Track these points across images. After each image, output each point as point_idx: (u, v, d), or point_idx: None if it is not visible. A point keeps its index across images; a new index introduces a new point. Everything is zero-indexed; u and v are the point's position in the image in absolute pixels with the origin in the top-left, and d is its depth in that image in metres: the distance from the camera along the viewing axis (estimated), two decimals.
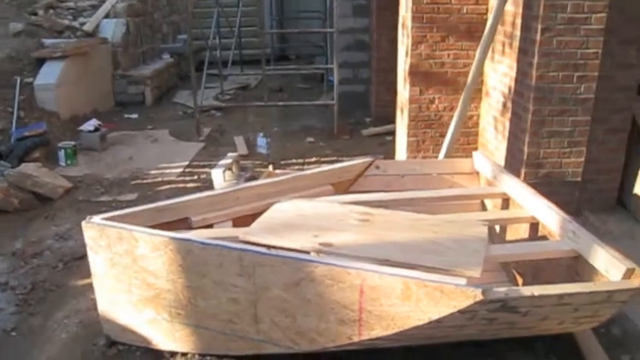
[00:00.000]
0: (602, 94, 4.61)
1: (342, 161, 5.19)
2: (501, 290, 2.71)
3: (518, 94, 4.78)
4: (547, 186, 4.55)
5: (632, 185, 5.02)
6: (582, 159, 4.75)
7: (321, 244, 3.22)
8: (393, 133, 6.97)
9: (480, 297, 2.62)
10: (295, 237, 3.31)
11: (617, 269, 2.94)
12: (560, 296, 2.78)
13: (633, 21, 4.60)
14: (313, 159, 7.23)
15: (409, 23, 5.41)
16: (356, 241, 3.29)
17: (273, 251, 3.00)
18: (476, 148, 5.69)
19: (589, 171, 4.84)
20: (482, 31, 5.13)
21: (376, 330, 2.88)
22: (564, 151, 4.71)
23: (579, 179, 4.80)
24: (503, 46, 5.00)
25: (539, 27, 4.30)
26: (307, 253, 3.20)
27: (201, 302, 3.19)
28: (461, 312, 2.68)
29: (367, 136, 8.30)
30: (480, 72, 4.74)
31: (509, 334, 3.22)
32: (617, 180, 5.09)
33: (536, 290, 2.76)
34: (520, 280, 3.94)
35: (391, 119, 7.16)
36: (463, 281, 2.67)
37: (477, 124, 5.81)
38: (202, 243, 3.08)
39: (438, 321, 2.74)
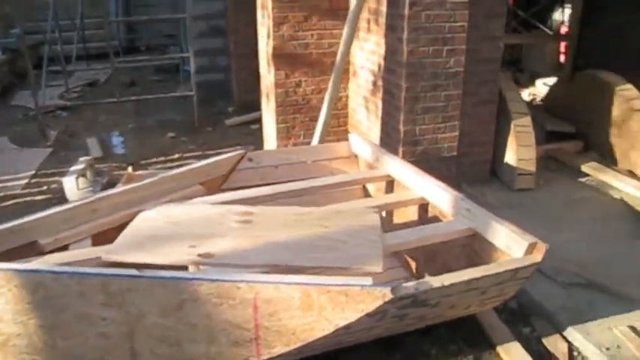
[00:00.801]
0: (469, 66, 4.57)
1: (209, 156, 4.72)
2: (410, 285, 2.47)
3: (389, 72, 4.61)
4: (425, 163, 4.43)
5: (503, 156, 5.08)
6: (456, 133, 4.70)
7: (199, 255, 2.78)
8: (259, 121, 6.60)
9: (389, 296, 2.36)
10: (168, 250, 2.84)
11: (519, 245, 2.83)
12: (469, 282, 2.60)
13: None
14: (176, 156, 6.65)
15: (269, 3, 5.03)
16: (239, 246, 2.89)
17: (145, 272, 2.52)
18: (347, 131, 5.49)
19: (463, 144, 4.81)
20: (346, 9, 4.92)
21: (277, 347, 2.51)
22: (439, 126, 4.63)
23: (455, 153, 4.76)
24: (369, 23, 4.79)
25: (407, 1, 4.12)
26: (185, 268, 2.76)
27: (62, 342, 2.61)
28: (369, 315, 2.40)
29: (231, 127, 7.84)
30: (348, 51, 4.50)
31: (418, 326, 3.01)
32: (489, 152, 5.13)
33: (446, 280, 2.55)
34: (413, 265, 3.77)
35: (256, 107, 6.77)
36: (369, 281, 2.39)
37: (346, 106, 5.59)
38: (54, 272, 2.50)
39: (346, 327, 2.44)
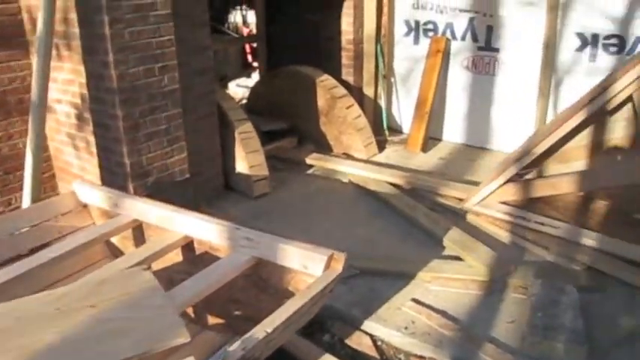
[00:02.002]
0: (184, 81, 4.25)
1: None
2: (237, 347, 2.10)
3: (97, 102, 4.01)
4: (160, 193, 4.04)
5: (234, 166, 4.92)
6: (185, 154, 4.38)
7: None
8: None
9: None
10: None
11: (317, 261, 2.68)
12: (289, 318, 2.35)
13: (198, 3, 4.34)
14: None
15: None
16: None
17: None
18: (53, 177, 4.70)
19: (193, 164, 4.50)
20: (22, 36, 4.15)
21: None
22: (166, 150, 4.24)
23: (188, 175, 4.43)
24: (58, 49, 4.08)
25: (106, 19, 3.60)
26: None
27: None
28: None
29: None
30: (46, 84, 3.75)
31: None
32: (220, 165, 4.90)
33: (267, 326, 2.25)
34: (190, 310, 3.35)
35: None
36: None
37: (46, 148, 4.76)
38: None
39: None
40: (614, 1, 4.91)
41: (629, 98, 3.76)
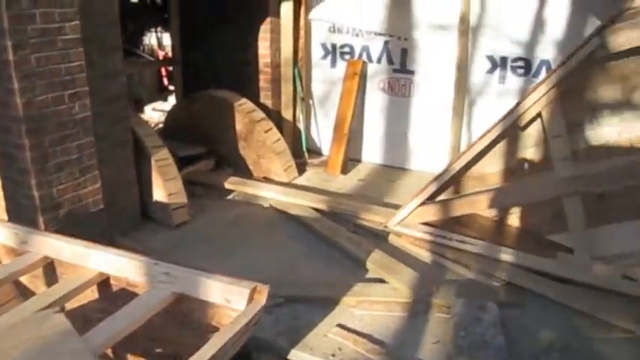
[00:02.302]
0: (96, 108, 4.08)
1: None
2: None
3: (2, 131, 3.77)
4: (73, 226, 3.86)
5: (151, 194, 4.76)
6: (99, 184, 4.18)
7: None
8: None
9: None
10: None
11: (240, 295, 2.62)
12: (213, 356, 2.27)
13: (109, 27, 4.18)
14: None
15: None
16: None
17: None
18: None
19: (108, 193, 4.31)
20: None
21: None
22: (79, 181, 4.03)
23: (102, 206, 4.23)
24: None
25: (10, 44, 3.40)
26: None
27: None
28: None
29: None
30: None
31: None
32: (136, 194, 4.73)
33: None
34: (110, 350, 3.17)
35: None
36: None
37: None
38: None
39: None
40: (520, 26, 5.18)
41: (538, 115, 3.94)
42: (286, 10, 6.01)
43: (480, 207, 4.28)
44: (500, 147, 4.27)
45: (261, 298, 2.62)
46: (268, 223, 4.86)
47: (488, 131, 4.09)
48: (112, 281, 3.10)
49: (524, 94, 4.29)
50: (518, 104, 3.94)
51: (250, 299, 2.62)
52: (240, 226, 4.79)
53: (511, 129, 4.06)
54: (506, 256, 4.00)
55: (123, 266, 2.96)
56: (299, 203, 5.07)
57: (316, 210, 4.96)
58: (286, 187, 5.49)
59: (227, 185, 5.48)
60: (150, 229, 4.69)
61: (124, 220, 4.62)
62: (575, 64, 3.68)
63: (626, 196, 3.78)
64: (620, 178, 3.73)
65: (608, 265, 3.75)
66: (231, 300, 2.64)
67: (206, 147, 5.82)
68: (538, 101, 3.84)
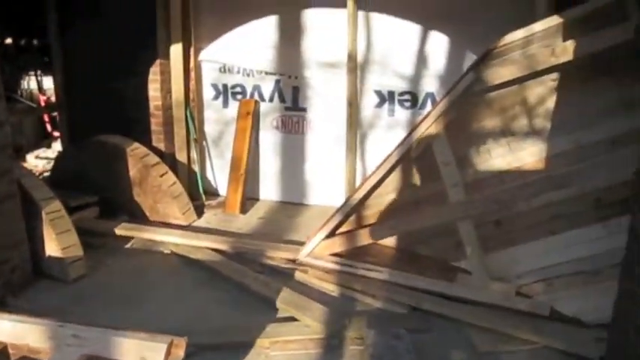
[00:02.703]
0: None
1: None
2: None
3: None
4: None
5: (43, 249, 4.48)
6: None
7: None
8: None
9: None
10: None
11: (157, 350, 2.54)
12: None
13: None
14: None
15: None
16: None
17: None
18: None
19: None
20: None
21: None
22: None
23: None
24: None
25: None
26: None
27: None
28: None
29: None
30: None
31: None
32: (27, 251, 4.43)
33: None
34: None
35: None
36: None
37: None
38: None
39: None
40: (405, 62, 5.50)
41: (429, 146, 4.18)
42: (176, 52, 5.98)
43: (382, 236, 4.46)
44: (397, 176, 4.50)
45: (179, 352, 2.56)
46: (171, 270, 4.73)
47: (383, 163, 4.29)
48: (10, 350, 2.88)
49: (412, 126, 4.55)
50: (408, 136, 4.17)
51: (168, 354, 2.54)
52: (142, 275, 4.62)
53: (405, 159, 4.28)
54: (412, 282, 4.17)
55: (22, 332, 2.78)
56: (201, 246, 4.99)
57: (219, 252, 4.90)
58: (186, 230, 5.39)
59: (125, 233, 5.27)
60: (45, 287, 4.40)
61: (15, 280, 4.30)
62: (455, 98, 3.96)
63: (518, 221, 4.11)
64: (506, 202, 4.05)
65: (504, 284, 4.02)
66: (147, 357, 2.55)
67: (99, 195, 5.60)
68: (426, 132, 4.09)
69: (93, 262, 4.73)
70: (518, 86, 4.01)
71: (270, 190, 6.32)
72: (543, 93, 4.05)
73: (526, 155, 4.17)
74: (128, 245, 5.19)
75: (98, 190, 5.63)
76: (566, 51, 3.64)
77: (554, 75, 3.97)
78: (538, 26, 3.79)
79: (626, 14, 3.65)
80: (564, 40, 3.71)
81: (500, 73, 3.80)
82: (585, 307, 3.82)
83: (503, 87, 3.91)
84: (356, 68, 5.60)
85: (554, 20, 3.75)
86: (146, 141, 5.92)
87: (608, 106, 3.87)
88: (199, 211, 5.94)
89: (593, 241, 3.93)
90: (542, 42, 3.83)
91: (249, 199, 6.21)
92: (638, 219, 2.78)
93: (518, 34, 3.82)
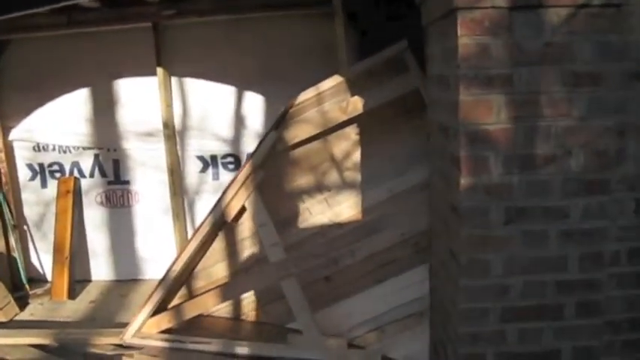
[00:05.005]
0: None
1: None
2: None
3: None
4: None
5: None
6: None
7: None
8: None
9: None
10: None
11: None
12: None
13: None
14: None
15: None
16: None
17: None
18: None
19: None
20: None
21: None
22: None
23: None
24: None
25: None
26: None
27: None
28: None
29: None
30: None
31: None
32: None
33: None
34: None
35: None
36: None
37: None
38: None
39: None
40: (223, 125, 5.47)
41: (243, 207, 4.15)
42: None
43: (209, 306, 4.32)
44: (218, 241, 4.41)
45: None
46: None
47: (198, 229, 4.20)
48: None
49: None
50: (218, 202, 4.12)
51: None
52: None
53: (221, 223, 4.22)
54: (244, 349, 4.06)
55: None
56: (20, 343, 4.55)
57: (41, 347, 4.49)
58: (5, 328, 4.90)
59: None
60: None
61: None
62: (259, 159, 3.99)
63: (347, 274, 4.17)
64: (327, 255, 4.10)
65: (338, 339, 4.03)
66: None
67: None
68: (237, 195, 4.06)
69: None
70: (322, 142, 4.12)
71: (101, 269, 5.95)
72: (348, 147, 4.19)
73: (344, 209, 4.26)
74: None
75: None
76: (355, 106, 3.80)
77: (356, 129, 4.13)
78: (327, 84, 3.93)
79: (407, 65, 3.90)
80: (352, 95, 3.87)
81: (296, 132, 3.88)
82: (415, 348, 3.93)
83: (304, 145, 4.00)
84: (174, 135, 5.50)
85: (340, 77, 3.91)
86: None
87: (414, 154, 4.04)
88: (23, 303, 5.45)
89: (417, 283, 4.07)
90: (335, 98, 3.97)
91: (80, 282, 5.81)
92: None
93: (309, 93, 3.94)
